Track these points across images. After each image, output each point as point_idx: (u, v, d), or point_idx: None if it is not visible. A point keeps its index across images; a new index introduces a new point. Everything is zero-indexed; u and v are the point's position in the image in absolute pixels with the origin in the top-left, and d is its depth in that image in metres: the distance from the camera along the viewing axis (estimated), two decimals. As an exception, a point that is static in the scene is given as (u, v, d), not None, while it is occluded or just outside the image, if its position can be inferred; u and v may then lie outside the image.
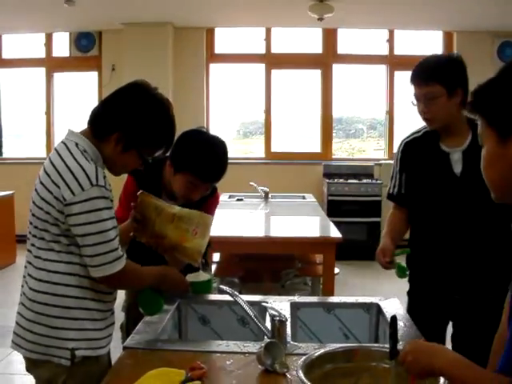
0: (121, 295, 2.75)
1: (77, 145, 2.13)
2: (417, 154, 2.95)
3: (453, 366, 1.45)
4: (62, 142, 2.17)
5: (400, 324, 2.46)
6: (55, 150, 2.15)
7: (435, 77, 2.69)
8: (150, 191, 2.66)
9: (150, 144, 2.23)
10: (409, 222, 3.06)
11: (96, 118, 2.21)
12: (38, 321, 2.11)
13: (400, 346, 1.88)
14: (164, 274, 2.47)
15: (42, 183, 2.11)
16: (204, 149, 2.79)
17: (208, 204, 3.00)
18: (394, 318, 1.77)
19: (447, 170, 2.79)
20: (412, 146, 2.99)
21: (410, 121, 9.82)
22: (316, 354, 1.94)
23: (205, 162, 2.75)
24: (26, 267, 2.22)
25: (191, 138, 2.85)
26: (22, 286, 2.21)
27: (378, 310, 2.69)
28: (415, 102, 2.80)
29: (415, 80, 2.77)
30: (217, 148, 2.82)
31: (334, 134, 9.85)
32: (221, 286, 2.33)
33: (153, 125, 2.21)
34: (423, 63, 2.78)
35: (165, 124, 2.26)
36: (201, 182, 2.78)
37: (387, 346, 1.78)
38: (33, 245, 2.16)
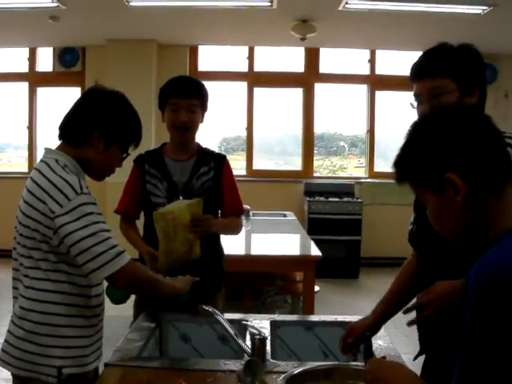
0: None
1: (57, 161, 2.17)
2: None
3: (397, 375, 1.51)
4: (42, 160, 2.21)
5: (378, 343, 2.51)
6: (36, 169, 2.18)
7: (445, 68, 2.09)
8: (152, 164, 3.16)
9: (127, 136, 2.33)
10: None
11: (69, 127, 2.28)
12: (27, 338, 2.12)
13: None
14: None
15: (26, 202, 2.13)
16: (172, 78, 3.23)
17: (224, 176, 3.22)
18: (367, 337, 1.81)
19: None
20: None
21: (391, 140, 9.96)
22: (295, 372, 1.97)
23: (167, 85, 3.20)
24: (14, 288, 2.23)
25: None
26: (13, 306, 2.22)
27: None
28: (415, 103, 2.20)
29: (417, 72, 2.18)
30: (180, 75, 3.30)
31: (315, 151, 9.92)
32: (201, 306, 2.36)
33: (125, 117, 2.32)
34: (428, 52, 2.19)
35: (133, 115, 2.37)
36: (177, 98, 3.11)
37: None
38: (21, 264, 2.17)
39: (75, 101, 2.35)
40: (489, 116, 1.46)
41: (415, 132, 1.50)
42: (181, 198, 3.08)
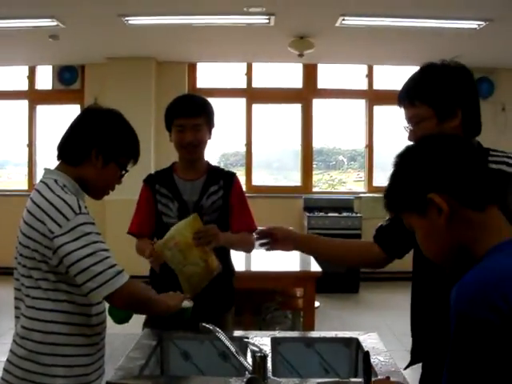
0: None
1: (56, 181, 2.20)
2: None
3: None
4: (41, 181, 2.23)
5: (379, 358, 2.51)
6: (35, 189, 2.20)
7: (419, 95, 2.13)
8: (163, 184, 3.20)
9: (125, 153, 2.36)
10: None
11: (67, 146, 2.31)
12: (29, 358, 2.13)
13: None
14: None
15: (26, 223, 2.15)
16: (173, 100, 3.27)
17: (233, 195, 3.23)
18: (366, 354, 1.82)
19: None
20: None
21: (390, 154, 10.02)
22: (296, 390, 1.98)
23: (172, 106, 3.23)
24: (17, 307, 2.24)
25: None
26: (15, 326, 2.23)
27: (357, 344, 2.72)
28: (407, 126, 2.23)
29: (399, 100, 2.23)
30: (186, 94, 3.46)
31: (314, 165, 9.95)
32: (202, 324, 2.37)
33: (122, 134, 2.35)
34: (410, 78, 2.23)
35: (131, 132, 2.40)
36: (183, 118, 3.14)
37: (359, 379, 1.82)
38: (22, 284, 2.18)
39: (72, 120, 2.39)
40: (471, 141, 1.52)
41: (400, 161, 1.56)
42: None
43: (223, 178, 3.25)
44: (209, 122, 3.21)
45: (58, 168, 2.29)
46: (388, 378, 1.79)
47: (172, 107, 3.22)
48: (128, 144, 2.37)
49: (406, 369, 2.33)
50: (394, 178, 1.57)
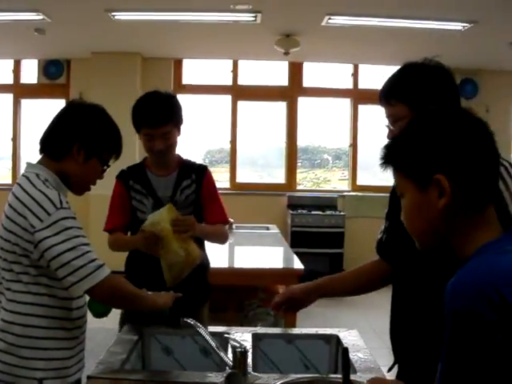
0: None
1: (37, 175, 2.20)
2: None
3: None
4: (23, 175, 2.24)
5: (358, 355, 2.53)
6: (17, 183, 2.21)
7: (395, 93, 2.13)
8: (136, 180, 3.17)
9: (107, 148, 2.35)
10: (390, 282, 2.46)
11: (49, 141, 2.30)
12: (9, 351, 2.13)
13: (356, 377, 1.96)
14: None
15: (7, 217, 2.15)
16: (138, 101, 3.18)
17: (204, 188, 3.24)
18: (345, 350, 1.84)
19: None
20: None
21: (374, 153, 10.06)
22: (276, 385, 2.00)
23: (139, 111, 3.12)
24: None
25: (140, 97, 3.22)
26: None
27: (337, 341, 2.74)
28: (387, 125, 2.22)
29: (379, 98, 2.22)
30: (152, 96, 3.15)
31: (299, 164, 10.00)
32: (183, 319, 2.38)
33: (104, 129, 2.35)
34: (389, 77, 2.21)
35: (113, 127, 2.39)
36: (149, 128, 3.06)
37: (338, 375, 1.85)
38: (3, 277, 2.19)
39: (55, 115, 2.39)
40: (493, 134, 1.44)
41: (422, 123, 1.47)
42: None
43: (195, 172, 3.25)
44: (177, 124, 3.16)
45: (40, 162, 2.29)
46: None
47: (138, 114, 3.14)
48: (110, 140, 2.37)
49: (389, 370, 2.33)
50: (407, 135, 1.47)
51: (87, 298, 2.26)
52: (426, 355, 1.92)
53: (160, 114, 3.06)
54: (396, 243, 2.32)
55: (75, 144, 2.26)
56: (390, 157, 1.49)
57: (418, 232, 1.48)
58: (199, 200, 3.22)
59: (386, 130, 2.21)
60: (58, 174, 2.26)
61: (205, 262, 3.31)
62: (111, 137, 2.37)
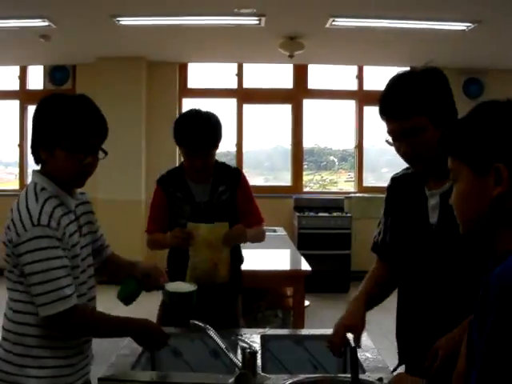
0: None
1: (36, 184, 2.16)
2: (402, 195, 2.35)
3: None
4: (29, 184, 2.20)
5: (367, 355, 2.55)
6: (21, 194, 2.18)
7: (417, 107, 2.03)
8: (176, 187, 3.35)
9: (62, 135, 2.12)
10: (394, 282, 2.42)
11: (31, 147, 2.21)
12: (5, 358, 2.13)
13: (364, 376, 1.97)
14: (143, 327, 2.31)
15: (5, 227, 2.12)
16: (181, 120, 3.30)
17: (239, 193, 3.44)
18: (353, 349, 1.86)
19: (423, 219, 2.21)
20: (399, 183, 2.40)
21: (380, 154, 10.02)
22: (285, 385, 2.02)
23: (181, 132, 3.23)
24: None
25: (183, 115, 3.38)
26: None
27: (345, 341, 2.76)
28: (390, 140, 2.16)
29: (388, 113, 2.12)
30: (195, 118, 3.24)
31: (305, 166, 10.00)
32: (192, 321, 2.40)
33: (49, 118, 2.15)
34: (395, 90, 2.11)
35: (62, 111, 2.15)
36: (188, 150, 3.22)
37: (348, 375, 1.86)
38: (7, 286, 2.19)
39: None
40: None
41: (486, 111, 1.48)
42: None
43: (229, 176, 3.42)
44: (216, 145, 3.32)
45: (39, 169, 2.24)
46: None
47: (179, 134, 3.26)
48: (61, 126, 2.13)
49: (393, 371, 2.34)
50: (471, 123, 1.47)
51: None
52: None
53: (200, 138, 3.18)
54: (399, 242, 2.32)
55: (37, 144, 2.17)
56: (448, 142, 1.51)
57: (465, 217, 1.50)
58: (235, 204, 3.42)
59: (399, 147, 2.14)
60: (51, 177, 2.18)
61: (240, 256, 3.61)
62: (61, 123, 2.13)
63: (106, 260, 2.56)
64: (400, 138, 2.10)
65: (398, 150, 2.15)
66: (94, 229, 2.44)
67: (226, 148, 10.17)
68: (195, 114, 3.27)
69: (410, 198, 2.28)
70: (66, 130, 2.12)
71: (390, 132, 2.13)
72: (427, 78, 2.10)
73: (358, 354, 2.29)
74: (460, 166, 1.46)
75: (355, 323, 2.29)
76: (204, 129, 3.19)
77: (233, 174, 3.45)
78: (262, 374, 2.32)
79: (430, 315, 2.18)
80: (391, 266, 2.40)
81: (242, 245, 3.55)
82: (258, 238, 3.57)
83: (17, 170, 9.82)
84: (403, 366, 2.33)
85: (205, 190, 3.36)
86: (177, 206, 3.36)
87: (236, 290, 3.53)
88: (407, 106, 2.04)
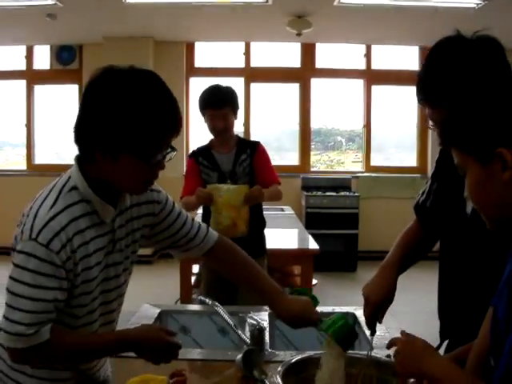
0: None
1: (68, 180, 1.77)
2: (453, 166, 2.01)
3: (443, 373, 1.47)
4: (61, 176, 1.82)
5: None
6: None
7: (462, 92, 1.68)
8: (204, 158, 4.05)
9: (140, 139, 1.68)
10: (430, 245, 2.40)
11: (75, 140, 1.78)
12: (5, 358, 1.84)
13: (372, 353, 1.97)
14: (138, 340, 1.87)
15: (21, 216, 1.78)
16: (204, 90, 4.05)
17: (256, 159, 4.07)
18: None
19: (461, 206, 2.10)
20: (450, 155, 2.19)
21: (388, 134, 9.97)
22: (293, 361, 2.02)
23: (205, 96, 4.00)
24: None
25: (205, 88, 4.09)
26: None
27: (353, 318, 2.76)
28: (432, 125, 2.00)
29: (428, 98, 1.97)
30: (216, 86, 4.08)
31: (312, 146, 9.97)
32: (201, 297, 2.41)
33: (128, 118, 1.67)
34: (443, 71, 1.93)
35: (140, 106, 1.68)
36: (212, 109, 3.93)
37: (360, 352, 1.86)
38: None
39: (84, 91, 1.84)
40: None
41: (476, 100, 1.44)
42: (229, 181, 3.92)
43: (250, 147, 4.11)
44: (234, 108, 4.03)
45: (81, 164, 1.80)
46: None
47: (203, 99, 3.97)
48: (140, 128, 1.67)
49: (437, 349, 2.29)
50: (465, 114, 1.44)
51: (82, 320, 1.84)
52: (477, 330, 1.87)
53: (220, 98, 3.94)
54: (438, 213, 2.25)
55: (94, 145, 1.71)
56: (449, 137, 1.49)
57: (484, 207, 1.48)
58: (253, 170, 4.01)
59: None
60: (95, 178, 1.77)
61: (263, 220, 4.28)
62: (133, 123, 1.67)
63: (213, 251, 2.21)
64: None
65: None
66: (152, 232, 2.05)
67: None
68: (215, 85, 4.03)
69: (457, 177, 2.20)
70: (139, 133, 1.67)
71: (431, 117, 2.00)
72: (486, 50, 1.98)
73: (367, 332, 2.31)
74: (465, 158, 1.45)
75: (384, 298, 2.24)
76: (223, 91, 4.01)
77: (252, 145, 4.15)
78: (270, 350, 2.33)
79: (473, 289, 2.10)
80: (428, 229, 2.34)
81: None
82: (276, 197, 4.09)
83: (24, 151, 9.82)
84: (445, 343, 2.29)
85: (229, 159, 4.02)
86: (205, 173, 4.01)
87: (259, 250, 4.01)
88: (457, 93, 1.74)
